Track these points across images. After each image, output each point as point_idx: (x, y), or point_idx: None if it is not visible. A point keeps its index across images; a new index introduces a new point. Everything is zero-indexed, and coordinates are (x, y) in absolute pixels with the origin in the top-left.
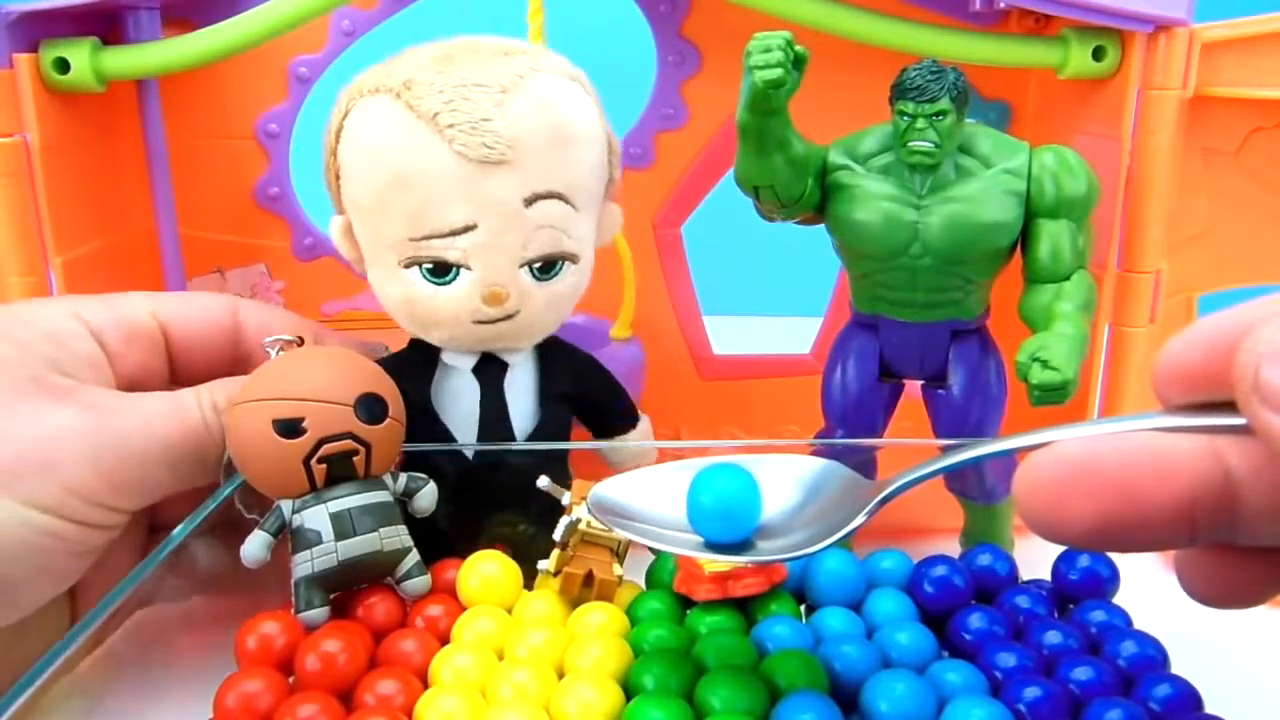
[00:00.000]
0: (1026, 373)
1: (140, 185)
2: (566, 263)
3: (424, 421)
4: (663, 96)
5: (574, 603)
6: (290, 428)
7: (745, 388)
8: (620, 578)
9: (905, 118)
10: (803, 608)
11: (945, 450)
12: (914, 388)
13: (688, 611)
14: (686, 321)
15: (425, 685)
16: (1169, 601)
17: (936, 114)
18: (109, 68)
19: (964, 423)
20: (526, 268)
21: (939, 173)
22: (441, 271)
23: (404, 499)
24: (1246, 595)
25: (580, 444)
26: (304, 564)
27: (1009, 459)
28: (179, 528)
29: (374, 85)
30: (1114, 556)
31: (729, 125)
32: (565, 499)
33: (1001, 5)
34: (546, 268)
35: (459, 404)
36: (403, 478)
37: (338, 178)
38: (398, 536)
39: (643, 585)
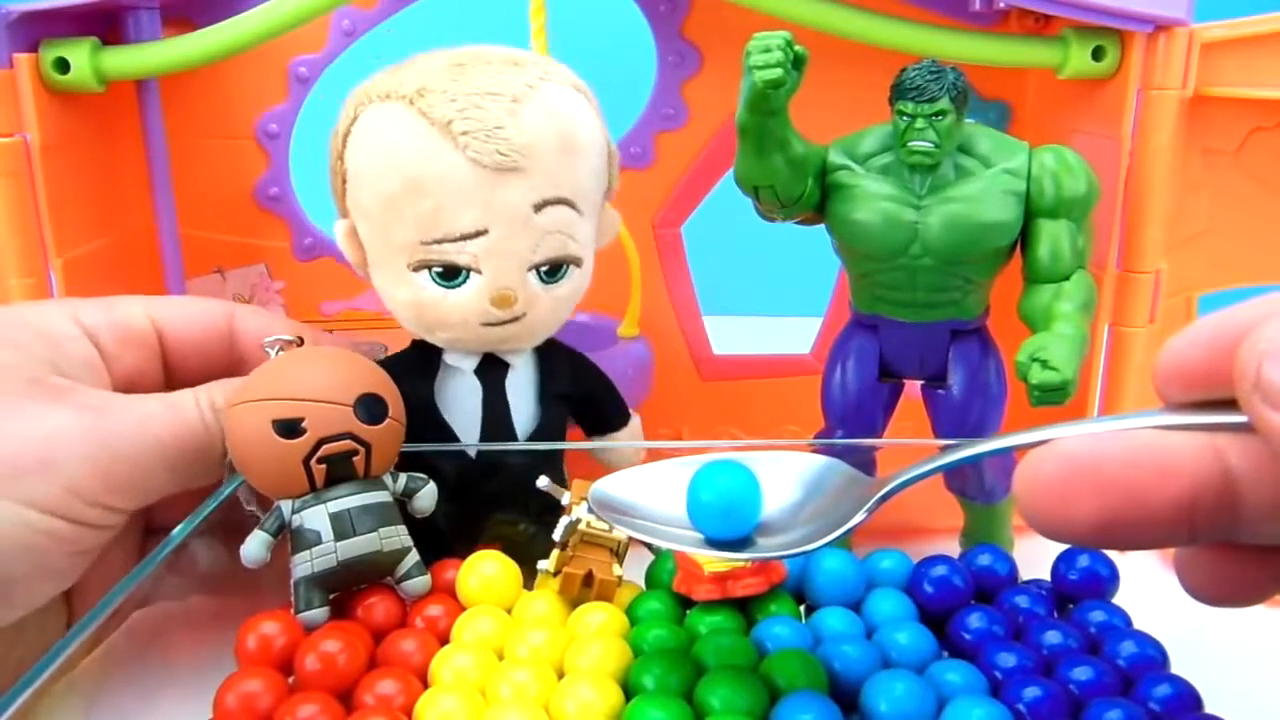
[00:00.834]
0: (1026, 373)
1: (140, 185)
2: (571, 266)
3: (427, 422)
4: (663, 96)
5: (574, 603)
6: (290, 428)
7: (745, 388)
8: (620, 578)
9: (905, 118)
10: (802, 608)
11: (945, 450)
12: (914, 388)
13: (687, 611)
14: (686, 321)
15: (425, 685)
16: (1169, 601)
17: (936, 114)
18: (109, 68)
19: (964, 423)
20: (534, 271)
21: (939, 173)
22: (451, 275)
23: (404, 499)
24: (1247, 594)
25: (581, 444)
26: (304, 564)
27: (1008, 459)
28: (179, 528)
29: (385, 91)
30: (1114, 556)
31: (729, 125)
32: (565, 499)
33: (1001, 5)
34: (553, 271)
35: (462, 404)
36: (403, 478)
37: (344, 181)
38: (397, 536)
39: (643, 585)
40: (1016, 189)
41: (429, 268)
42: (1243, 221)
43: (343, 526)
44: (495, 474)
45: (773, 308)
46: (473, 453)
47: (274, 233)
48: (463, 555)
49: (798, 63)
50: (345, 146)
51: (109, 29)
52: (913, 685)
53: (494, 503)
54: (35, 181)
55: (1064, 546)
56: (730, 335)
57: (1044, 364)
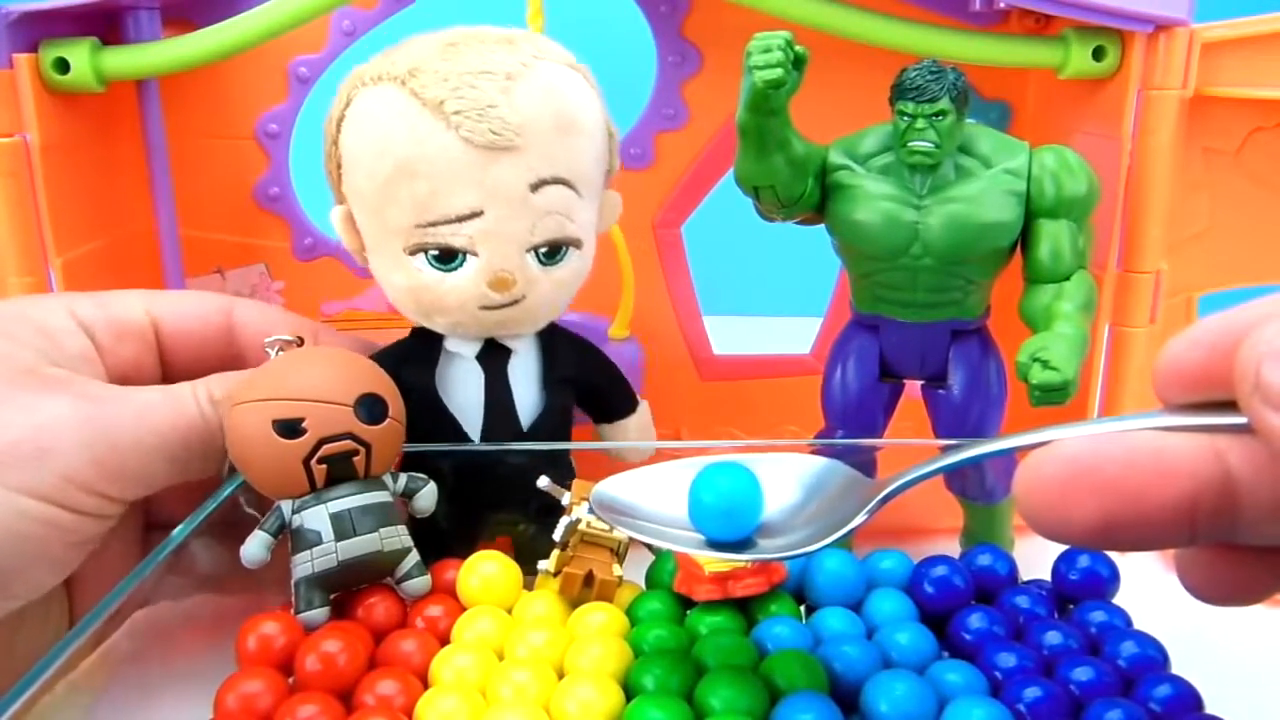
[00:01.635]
0: (1027, 373)
1: (140, 185)
2: (571, 248)
3: (429, 409)
4: (663, 96)
5: (574, 603)
6: (290, 428)
7: (745, 388)
8: (620, 578)
9: (905, 118)
10: (803, 608)
11: (945, 450)
12: (914, 388)
13: (688, 612)
14: (686, 321)
15: (425, 685)
16: (1169, 601)
17: (936, 114)
18: (109, 68)
19: (964, 423)
20: (532, 253)
21: (939, 173)
22: (448, 258)
23: (404, 499)
24: (1247, 593)
25: (582, 444)
26: (304, 564)
27: (1009, 459)
28: (179, 527)
29: (377, 74)
30: (1114, 556)
31: (729, 125)
32: (565, 499)
33: (1001, 5)
34: (552, 253)
35: (464, 390)
36: (403, 478)
37: (339, 167)
38: (398, 536)
39: (643, 585)
40: (1017, 189)
41: (425, 251)
42: (1243, 221)
43: (343, 526)
44: (499, 467)
45: (773, 308)
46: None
47: (274, 233)
48: (463, 555)
49: (798, 63)
50: (339, 131)
51: (109, 29)
52: (913, 686)
53: (495, 500)
54: (35, 181)
55: (1064, 547)
56: (730, 335)
57: (1045, 364)
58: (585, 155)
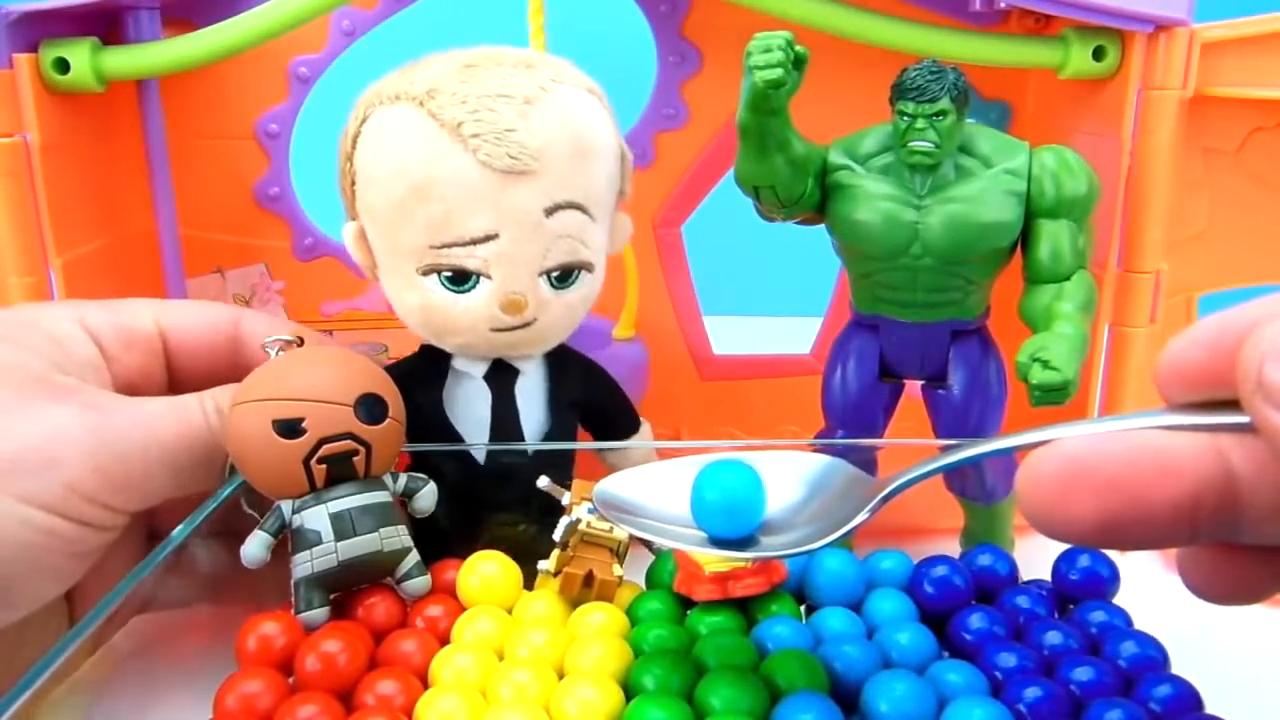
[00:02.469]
0: (1027, 373)
1: (140, 185)
2: (583, 272)
3: (435, 427)
4: (663, 96)
5: (574, 603)
6: (290, 428)
7: (745, 388)
8: (620, 578)
9: (905, 118)
10: (803, 608)
11: (945, 450)
12: (914, 388)
13: (688, 612)
14: (686, 321)
15: (425, 685)
16: (1169, 601)
17: (936, 114)
18: (109, 68)
19: (964, 423)
20: (545, 277)
21: (939, 173)
22: (461, 280)
23: (404, 499)
24: (1248, 593)
25: (583, 444)
26: (304, 564)
27: (1009, 459)
28: (179, 528)
29: (394, 93)
30: (1114, 556)
31: (729, 125)
32: (565, 499)
33: (1001, 5)
34: (564, 277)
35: (471, 410)
36: (403, 478)
37: (354, 184)
38: (398, 536)
39: (643, 585)
40: (1017, 189)
41: (438, 272)
42: (1243, 221)
43: (343, 527)
44: (502, 479)
45: (773, 308)
46: (478, 456)
47: (274, 233)
48: (463, 555)
49: (798, 63)
50: (354, 148)
51: (109, 29)
52: (913, 685)
53: (496, 505)
54: (35, 181)
55: (1065, 546)
56: (730, 335)
57: (1045, 364)
58: (599, 179)
